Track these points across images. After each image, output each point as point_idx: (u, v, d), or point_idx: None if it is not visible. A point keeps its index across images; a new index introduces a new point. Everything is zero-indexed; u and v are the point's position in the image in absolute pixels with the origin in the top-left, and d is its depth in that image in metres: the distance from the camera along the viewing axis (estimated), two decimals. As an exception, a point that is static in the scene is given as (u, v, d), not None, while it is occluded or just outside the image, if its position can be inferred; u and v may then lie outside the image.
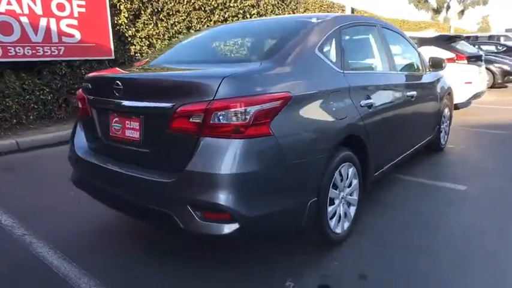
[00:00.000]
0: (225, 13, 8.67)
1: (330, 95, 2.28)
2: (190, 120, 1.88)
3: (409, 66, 3.79)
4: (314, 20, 2.63)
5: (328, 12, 12.30)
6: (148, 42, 7.26)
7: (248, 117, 1.83)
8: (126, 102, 2.16)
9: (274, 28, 2.94)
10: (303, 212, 2.08)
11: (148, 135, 2.10)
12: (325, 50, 2.45)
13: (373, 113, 2.65)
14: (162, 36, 7.48)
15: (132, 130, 2.16)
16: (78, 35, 6.08)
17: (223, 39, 3.22)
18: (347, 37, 2.75)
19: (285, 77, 2.09)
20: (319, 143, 2.15)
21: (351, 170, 2.46)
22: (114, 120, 2.26)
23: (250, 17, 9.27)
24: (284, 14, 10.28)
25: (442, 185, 3.54)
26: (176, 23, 7.70)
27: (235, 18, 8.89)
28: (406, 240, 2.53)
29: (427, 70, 4.00)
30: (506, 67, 10.97)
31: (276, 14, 10.06)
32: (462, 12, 35.54)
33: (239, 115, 1.82)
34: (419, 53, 3.96)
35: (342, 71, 2.48)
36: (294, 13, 10.57)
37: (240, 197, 1.83)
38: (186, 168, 1.87)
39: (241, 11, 9.06)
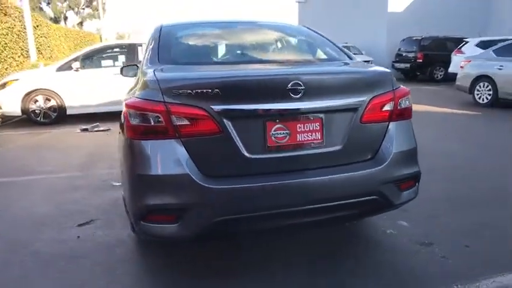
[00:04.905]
0: None
1: None
2: (383, 109, 2.13)
3: None
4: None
5: None
6: None
7: (409, 101, 2.29)
8: (306, 104, 1.96)
9: (292, 30, 3.13)
10: None
11: (334, 133, 2.05)
12: None
13: None
14: None
15: (310, 132, 2.00)
16: None
17: (250, 39, 2.96)
18: None
19: None
20: None
21: None
22: (276, 127, 1.95)
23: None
24: None
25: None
26: None
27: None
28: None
29: None
30: None
31: None
32: (81, 23, 38.88)
33: (409, 100, 2.26)
34: None
35: None
36: None
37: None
38: (395, 151, 2.12)
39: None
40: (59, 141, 6.00)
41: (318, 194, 1.98)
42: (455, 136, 5.95)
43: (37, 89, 7.19)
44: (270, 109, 1.92)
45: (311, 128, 2.01)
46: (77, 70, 7.24)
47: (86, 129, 6.68)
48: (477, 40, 11.72)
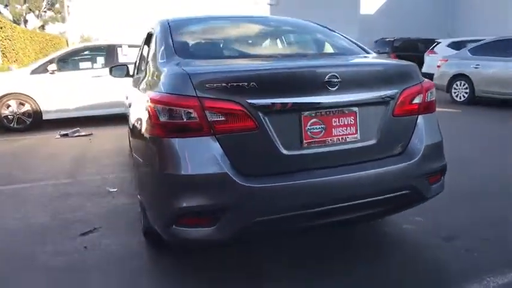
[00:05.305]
0: None
1: None
2: (412, 102, 2.10)
3: None
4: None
5: None
6: None
7: (434, 94, 2.28)
8: (342, 97, 1.90)
9: (304, 25, 3.05)
10: None
11: (368, 127, 2.00)
12: None
13: None
14: None
15: (344, 127, 1.94)
16: None
17: (272, 35, 2.89)
18: None
19: None
20: None
21: None
22: (311, 121, 1.87)
23: None
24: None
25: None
26: None
27: None
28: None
29: None
30: None
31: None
32: (43, 26, 37.69)
33: (433, 93, 2.24)
34: None
35: None
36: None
37: None
38: (425, 144, 2.10)
39: None
40: (39, 148, 5.65)
41: (357, 190, 1.92)
42: (443, 132, 6.08)
43: (9, 93, 6.75)
44: (307, 102, 1.85)
45: (346, 122, 1.95)
46: (53, 73, 6.87)
47: (66, 135, 6.34)
48: (449, 41, 12.16)
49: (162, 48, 2.32)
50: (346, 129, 1.95)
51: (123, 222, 2.96)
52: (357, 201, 1.94)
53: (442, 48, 11.88)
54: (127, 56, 7.28)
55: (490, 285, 2.05)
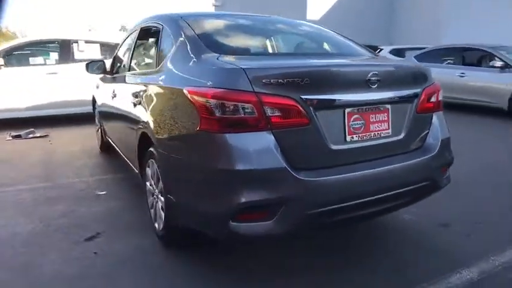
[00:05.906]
0: None
1: None
2: (430, 100, 2.30)
3: None
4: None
5: None
6: None
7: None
8: (380, 94, 2.03)
9: (314, 27, 3.16)
10: None
11: (397, 123, 2.14)
12: None
13: None
14: None
15: (379, 123, 2.07)
16: None
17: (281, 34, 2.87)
18: None
19: None
20: None
21: None
22: (353, 117, 1.97)
23: None
24: None
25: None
26: None
27: None
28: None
29: None
30: None
31: None
32: None
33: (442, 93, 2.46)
34: None
35: None
36: None
37: None
38: (442, 138, 2.31)
39: None
40: (-8, 150, 5.11)
41: (393, 181, 2.06)
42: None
43: None
44: (352, 99, 1.96)
45: (381, 119, 2.08)
46: (-2, 68, 6.24)
47: (18, 136, 5.78)
48: (390, 48, 13.11)
49: (186, 43, 2.26)
50: (380, 125, 2.08)
51: (124, 225, 2.82)
52: (392, 192, 2.08)
53: (384, 54, 12.75)
54: (84, 52, 6.85)
55: (496, 263, 2.30)
